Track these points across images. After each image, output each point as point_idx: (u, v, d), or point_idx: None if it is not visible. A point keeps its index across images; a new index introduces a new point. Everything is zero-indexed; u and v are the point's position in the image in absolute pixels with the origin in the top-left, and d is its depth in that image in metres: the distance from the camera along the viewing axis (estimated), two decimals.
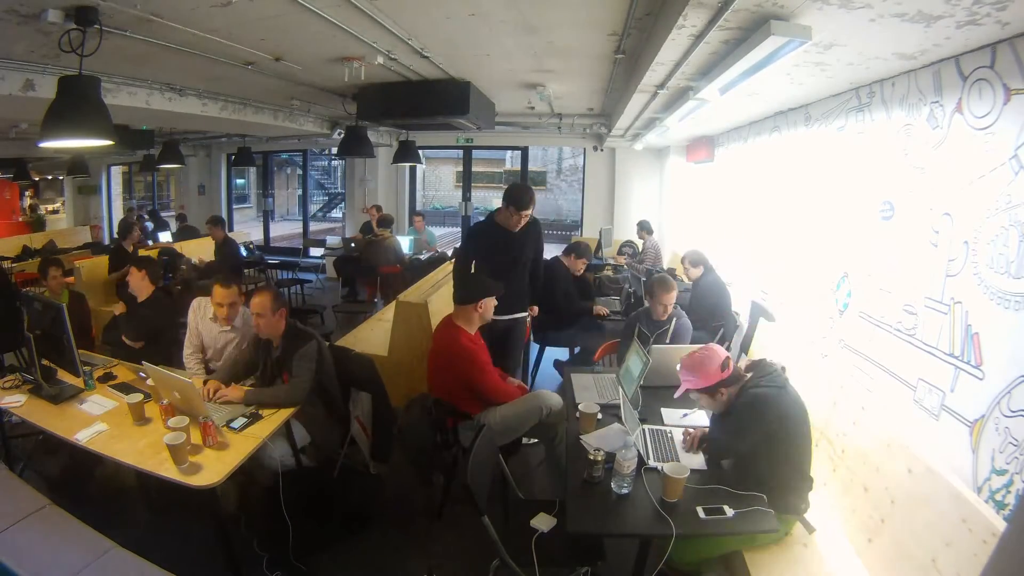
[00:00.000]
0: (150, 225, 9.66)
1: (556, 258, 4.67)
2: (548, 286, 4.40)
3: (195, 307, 3.23)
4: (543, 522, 2.11)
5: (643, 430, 2.34)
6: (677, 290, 3.35)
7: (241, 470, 2.19)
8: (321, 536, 2.63)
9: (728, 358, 2.08)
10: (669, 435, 2.35)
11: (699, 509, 1.86)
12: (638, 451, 2.09)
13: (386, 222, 7.06)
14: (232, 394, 2.58)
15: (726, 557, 2.11)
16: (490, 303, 2.89)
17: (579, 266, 4.56)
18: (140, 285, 3.51)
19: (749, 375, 2.10)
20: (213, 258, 6.60)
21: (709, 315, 4.19)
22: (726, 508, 1.87)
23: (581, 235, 8.88)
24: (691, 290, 4.52)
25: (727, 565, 2.11)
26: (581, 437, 2.24)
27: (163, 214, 11.53)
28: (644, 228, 6.82)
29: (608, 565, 2.09)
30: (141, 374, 2.73)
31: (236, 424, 2.39)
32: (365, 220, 8.09)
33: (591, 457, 2.01)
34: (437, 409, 2.72)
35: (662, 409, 2.58)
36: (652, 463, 2.10)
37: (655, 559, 1.91)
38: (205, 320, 3.19)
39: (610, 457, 2.00)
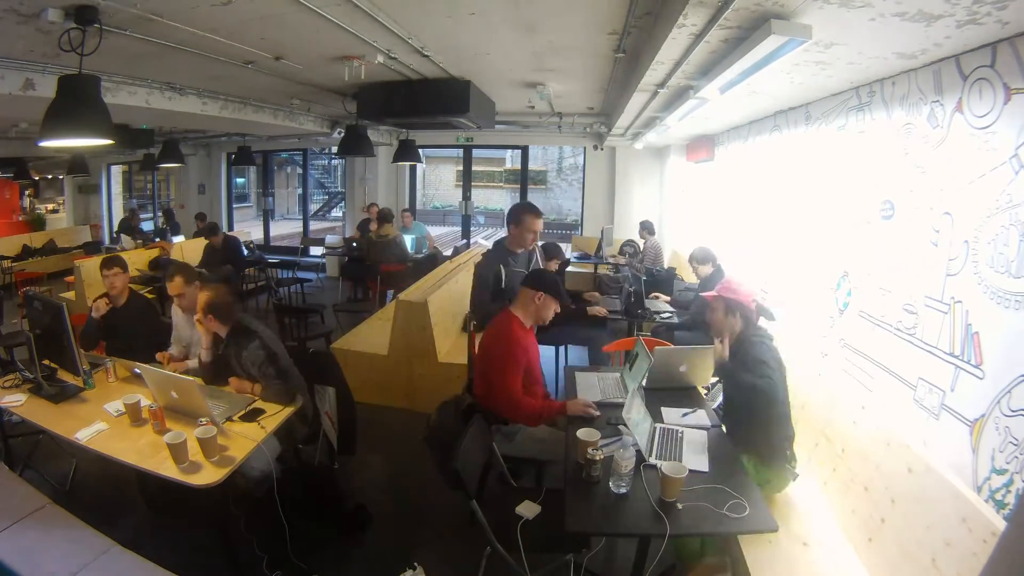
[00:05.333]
0: (148, 225, 9.69)
1: None
2: None
3: (174, 306, 3.29)
4: (528, 509, 2.14)
5: (655, 428, 2.33)
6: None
7: (239, 470, 2.19)
8: (320, 535, 2.63)
9: (755, 302, 2.49)
10: (679, 435, 2.31)
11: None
12: (637, 449, 2.09)
13: (386, 217, 6.89)
14: (244, 387, 2.62)
15: (726, 552, 2.11)
16: (550, 303, 2.72)
17: (552, 267, 4.54)
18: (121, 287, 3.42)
19: (747, 329, 2.46)
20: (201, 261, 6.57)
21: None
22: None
23: (581, 234, 8.90)
24: (700, 286, 4.47)
25: (725, 563, 2.11)
26: (577, 432, 2.23)
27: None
28: (646, 228, 6.84)
29: (599, 555, 2.11)
30: (136, 370, 2.73)
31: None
32: (363, 219, 8.06)
33: (589, 457, 2.01)
34: (470, 412, 2.56)
35: (662, 408, 2.57)
36: (652, 461, 2.09)
37: (654, 553, 1.92)
38: (181, 314, 3.23)
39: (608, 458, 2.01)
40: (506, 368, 2.60)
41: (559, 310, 2.79)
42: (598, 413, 2.53)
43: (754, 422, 2.29)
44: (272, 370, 2.62)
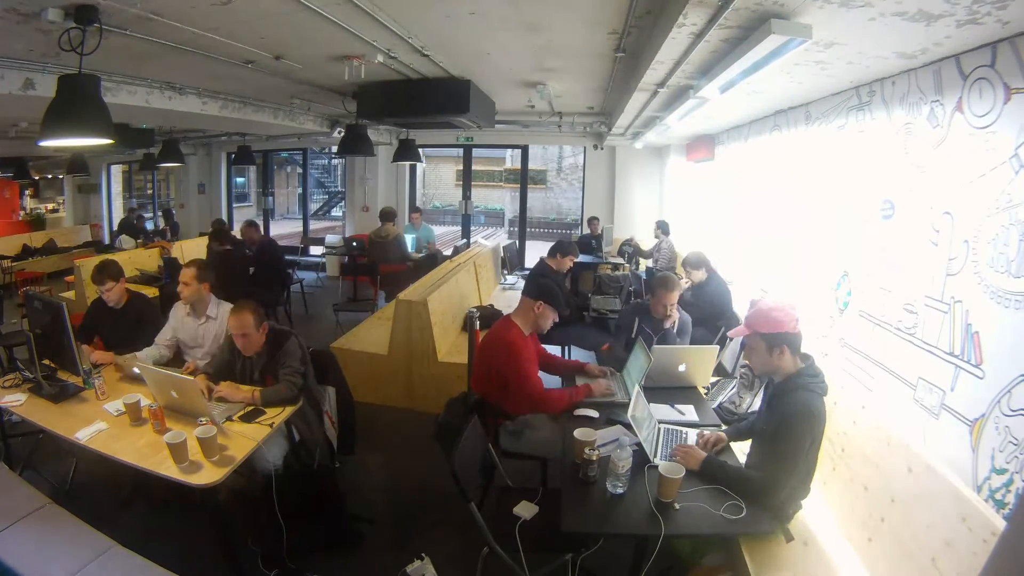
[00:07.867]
0: (150, 224, 9.67)
1: (542, 260, 4.63)
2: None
3: (175, 307, 3.30)
4: (525, 510, 2.14)
5: (658, 428, 2.33)
6: (680, 290, 3.34)
7: (239, 470, 2.19)
8: (319, 535, 2.62)
9: (797, 321, 2.04)
10: (684, 436, 2.33)
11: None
12: (635, 449, 2.09)
13: (389, 216, 6.77)
14: (235, 395, 2.56)
15: (726, 553, 2.11)
16: (548, 313, 2.80)
17: (566, 264, 4.52)
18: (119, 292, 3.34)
19: (803, 365, 2.06)
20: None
21: (710, 317, 4.16)
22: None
23: (581, 233, 8.89)
24: (692, 292, 4.49)
25: (727, 564, 2.11)
26: (575, 432, 2.23)
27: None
28: (661, 228, 6.88)
29: (597, 555, 2.12)
30: (135, 370, 2.73)
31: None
32: (365, 217, 8.01)
33: (586, 456, 2.01)
34: (478, 408, 2.59)
35: (651, 404, 2.56)
36: (657, 461, 2.09)
37: (652, 553, 1.92)
38: (184, 318, 3.23)
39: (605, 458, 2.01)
40: (520, 364, 2.67)
41: (557, 319, 2.86)
42: (615, 393, 2.71)
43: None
44: (302, 367, 2.66)
